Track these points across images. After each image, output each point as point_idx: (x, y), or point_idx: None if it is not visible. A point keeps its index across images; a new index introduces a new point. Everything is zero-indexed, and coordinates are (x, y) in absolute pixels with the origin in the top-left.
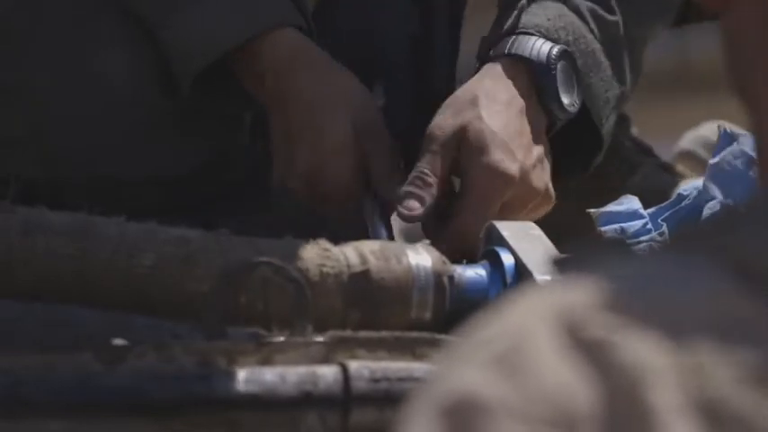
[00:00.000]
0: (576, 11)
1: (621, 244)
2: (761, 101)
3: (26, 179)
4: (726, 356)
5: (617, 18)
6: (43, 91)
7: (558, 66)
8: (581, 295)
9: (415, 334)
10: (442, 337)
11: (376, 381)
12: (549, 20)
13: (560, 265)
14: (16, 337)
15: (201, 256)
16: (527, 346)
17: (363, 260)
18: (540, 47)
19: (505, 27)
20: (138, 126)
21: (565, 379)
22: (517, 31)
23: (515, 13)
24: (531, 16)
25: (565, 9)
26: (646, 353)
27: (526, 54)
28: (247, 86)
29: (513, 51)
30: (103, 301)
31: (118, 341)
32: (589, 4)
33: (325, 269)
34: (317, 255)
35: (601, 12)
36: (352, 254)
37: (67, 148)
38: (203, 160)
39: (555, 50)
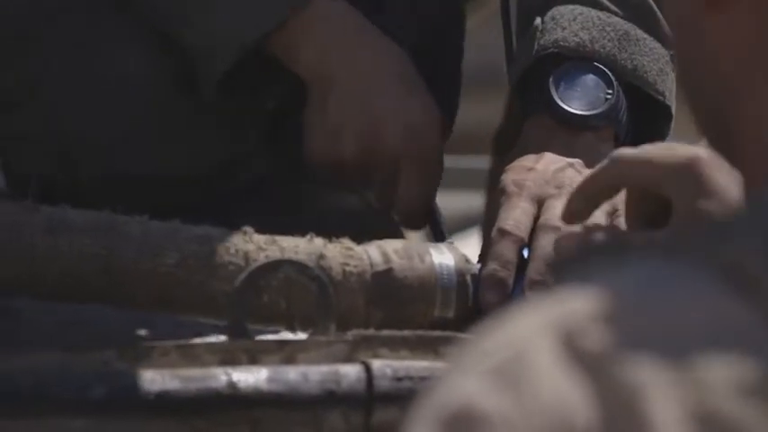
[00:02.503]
0: (592, 2)
1: (618, 248)
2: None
3: (45, 178)
4: (724, 368)
5: None
6: (61, 90)
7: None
8: (579, 307)
9: (437, 333)
10: (465, 336)
11: (399, 379)
12: (564, 29)
13: (558, 272)
14: (39, 336)
15: (225, 254)
16: (526, 358)
17: (386, 259)
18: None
19: (531, 53)
20: (157, 125)
21: (563, 391)
22: (542, 54)
23: (534, 36)
24: (550, 34)
25: (578, 8)
26: (644, 366)
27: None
28: (293, 67)
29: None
30: (127, 299)
31: (141, 339)
32: None
33: (348, 268)
34: (339, 254)
35: None
36: (375, 253)
37: (86, 147)
38: (224, 158)
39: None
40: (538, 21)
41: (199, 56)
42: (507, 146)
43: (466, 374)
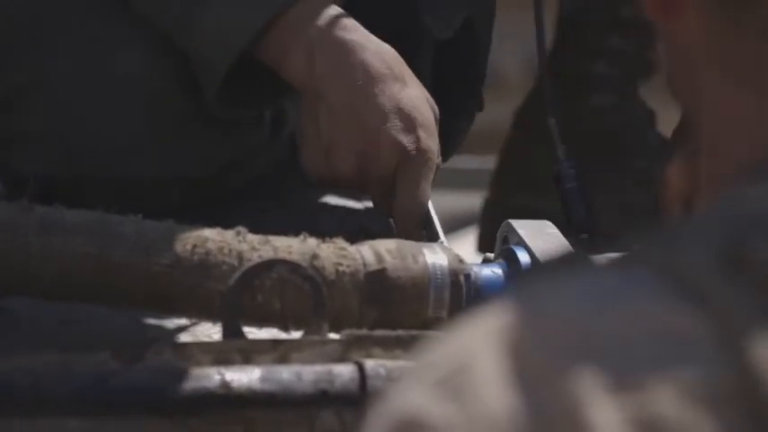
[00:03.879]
0: None
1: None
2: (703, 107)
3: (44, 177)
4: (667, 373)
5: None
6: (63, 89)
7: None
8: (524, 317)
9: (431, 332)
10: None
11: (392, 379)
12: None
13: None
14: (34, 336)
15: (219, 255)
16: (471, 369)
17: (380, 259)
18: None
19: None
20: (156, 126)
21: (507, 401)
22: None
23: None
24: None
25: None
26: (586, 375)
27: None
28: (284, 74)
29: None
30: (121, 299)
31: (135, 339)
32: None
33: (341, 268)
34: (333, 253)
35: None
36: (368, 253)
37: (86, 147)
38: (221, 160)
39: None
40: None
41: (198, 62)
42: None
43: (413, 386)
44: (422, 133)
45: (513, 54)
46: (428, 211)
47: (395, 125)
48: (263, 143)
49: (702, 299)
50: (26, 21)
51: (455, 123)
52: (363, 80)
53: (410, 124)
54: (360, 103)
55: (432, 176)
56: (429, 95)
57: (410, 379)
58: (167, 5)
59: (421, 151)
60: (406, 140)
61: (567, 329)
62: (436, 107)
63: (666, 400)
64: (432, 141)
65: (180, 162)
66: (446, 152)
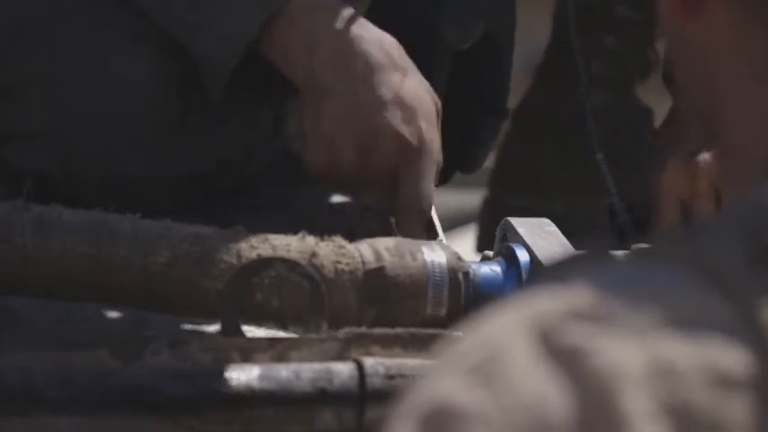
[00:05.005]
0: None
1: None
2: (723, 106)
3: (42, 174)
4: (697, 360)
5: None
6: (62, 87)
7: None
8: (556, 304)
9: (430, 331)
10: (458, 333)
11: (391, 377)
12: None
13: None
14: (31, 334)
15: (217, 253)
16: (503, 356)
17: (378, 257)
18: None
19: None
20: (155, 125)
21: (539, 387)
22: None
23: None
24: None
25: None
26: (619, 359)
27: None
28: (285, 70)
29: None
30: (118, 298)
31: (134, 337)
32: None
33: (340, 266)
34: (332, 251)
35: None
36: (367, 251)
37: (85, 145)
38: (220, 159)
39: None
40: None
41: (202, 62)
42: None
43: (445, 374)
44: (423, 124)
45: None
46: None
47: (395, 116)
48: (261, 143)
49: (729, 287)
50: (28, 19)
51: (477, 137)
52: (363, 71)
53: (410, 115)
54: (360, 94)
55: (434, 168)
56: (430, 86)
57: (441, 367)
58: (169, 5)
59: (422, 142)
60: (407, 131)
61: (597, 316)
62: (438, 99)
63: (698, 386)
64: (432, 133)
65: (178, 161)
66: (467, 166)
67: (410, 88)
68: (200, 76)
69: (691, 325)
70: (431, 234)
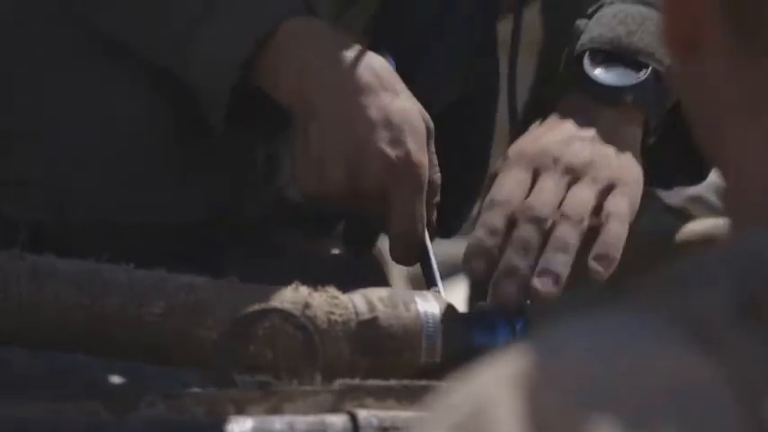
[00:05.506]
0: (640, 1)
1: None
2: (726, 148)
3: (36, 223)
4: (680, 421)
5: None
6: (54, 135)
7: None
8: (539, 361)
9: (423, 382)
10: (450, 385)
11: (385, 429)
12: (602, 26)
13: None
14: (25, 385)
15: (211, 304)
16: (487, 412)
17: (372, 308)
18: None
19: (573, 51)
20: (148, 172)
21: None
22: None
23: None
24: (589, 32)
25: (621, 5)
26: (601, 422)
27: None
28: (277, 96)
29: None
30: (112, 348)
31: (128, 389)
32: None
33: (333, 317)
34: (325, 302)
35: None
36: (360, 301)
37: (78, 193)
38: (214, 206)
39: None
40: (581, 22)
41: (199, 93)
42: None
43: (432, 428)
44: (412, 146)
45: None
46: (428, 252)
47: (383, 136)
48: (255, 189)
49: (717, 346)
50: (19, 67)
51: (453, 201)
52: (352, 92)
53: (400, 136)
54: (349, 115)
55: (424, 190)
56: (422, 107)
57: (429, 421)
58: (160, 39)
59: (411, 165)
60: (395, 153)
61: (581, 374)
62: (430, 119)
63: None
64: (422, 154)
65: (171, 208)
66: (446, 231)
67: (400, 109)
68: (200, 110)
69: (676, 386)
70: (430, 281)
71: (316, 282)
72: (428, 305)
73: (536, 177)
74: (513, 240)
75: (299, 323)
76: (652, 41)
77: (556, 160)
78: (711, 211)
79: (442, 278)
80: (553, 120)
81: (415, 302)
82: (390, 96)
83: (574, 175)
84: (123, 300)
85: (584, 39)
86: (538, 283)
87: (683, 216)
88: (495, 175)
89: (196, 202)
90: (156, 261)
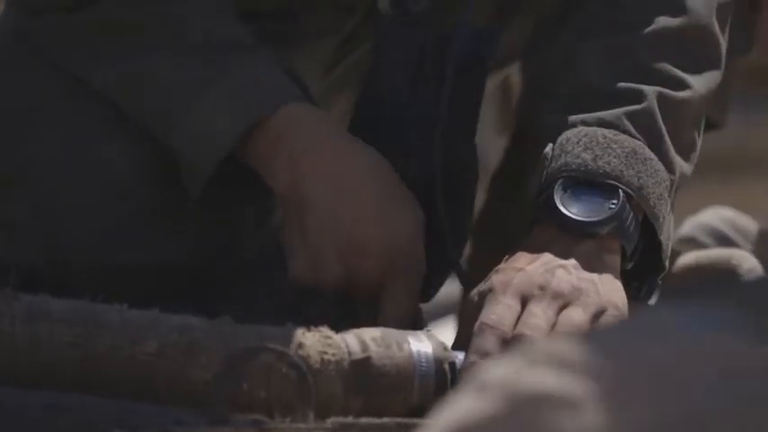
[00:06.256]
0: (603, 123)
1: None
2: None
3: (28, 265)
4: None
5: (687, 93)
6: (45, 178)
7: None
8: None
9: (416, 420)
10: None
11: None
12: (568, 154)
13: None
14: (18, 424)
15: (204, 343)
16: None
17: (364, 347)
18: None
19: (541, 182)
20: (140, 214)
21: None
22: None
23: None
24: (556, 161)
25: (584, 129)
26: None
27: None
28: (267, 181)
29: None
30: (106, 387)
31: (121, 428)
32: (654, 88)
33: (326, 356)
34: (318, 342)
35: (667, 93)
36: (353, 341)
37: (70, 235)
38: (204, 248)
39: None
40: (548, 148)
41: (181, 163)
42: None
43: None
44: (407, 239)
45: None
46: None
47: (380, 233)
48: (248, 232)
49: None
50: (8, 112)
51: (431, 271)
52: (349, 189)
53: (396, 231)
54: (348, 207)
55: (418, 283)
56: (414, 199)
57: None
58: (149, 106)
59: (406, 259)
60: (392, 249)
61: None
62: (421, 212)
63: None
64: (416, 247)
65: (163, 249)
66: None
67: (394, 206)
68: (180, 175)
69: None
70: (417, 324)
71: (309, 322)
72: (421, 345)
73: (524, 305)
74: None
75: (293, 362)
76: (619, 164)
77: (542, 288)
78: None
79: (433, 319)
80: (531, 249)
81: (408, 342)
82: (384, 192)
83: (564, 301)
84: (116, 339)
85: (551, 169)
86: None
87: (674, 255)
88: (480, 301)
89: (188, 244)
90: (150, 302)
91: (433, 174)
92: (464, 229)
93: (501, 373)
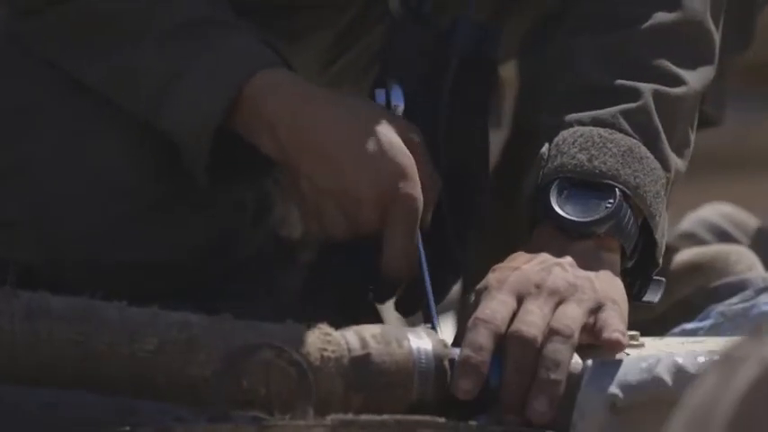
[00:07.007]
0: (598, 122)
1: None
2: None
3: (25, 262)
4: None
5: (683, 89)
6: (42, 176)
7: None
8: None
9: (416, 417)
10: (444, 420)
11: None
12: (564, 155)
13: None
14: (19, 422)
15: (204, 340)
16: None
17: (364, 344)
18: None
19: (537, 182)
20: (137, 210)
21: None
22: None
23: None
24: (552, 161)
25: (580, 129)
26: None
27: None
28: (262, 146)
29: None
30: (106, 385)
31: (121, 424)
32: (650, 85)
33: (326, 353)
34: (318, 339)
35: (663, 89)
36: (352, 338)
37: (67, 233)
38: (204, 244)
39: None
40: (544, 148)
41: (179, 145)
42: None
43: None
44: (400, 181)
45: None
46: (427, 292)
47: (373, 180)
48: (245, 229)
49: None
50: (4, 111)
51: (441, 276)
52: (334, 146)
53: (387, 174)
54: (333, 173)
55: (416, 219)
56: (405, 127)
57: None
58: (136, 93)
59: (401, 199)
60: (386, 192)
61: None
62: (416, 134)
63: None
64: (410, 186)
65: (161, 246)
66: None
67: (383, 150)
68: (183, 165)
69: None
70: (427, 318)
71: (309, 319)
72: (421, 341)
73: (520, 303)
74: (507, 363)
75: (293, 359)
76: (615, 163)
77: (538, 286)
78: (701, 245)
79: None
80: (529, 249)
81: (408, 339)
82: (371, 139)
83: (559, 297)
84: (115, 337)
85: (547, 169)
86: (535, 404)
87: (673, 251)
88: (477, 299)
89: (185, 241)
90: (149, 299)
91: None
92: (473, 229)
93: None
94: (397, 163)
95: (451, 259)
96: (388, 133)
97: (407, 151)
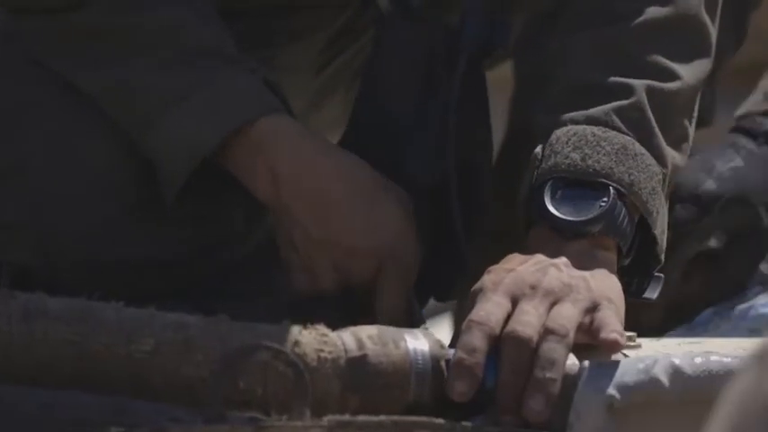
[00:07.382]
0: (591, 120)
1: None
2: None
3: (21, 264)
4: None
5: (677, 84)
6: (35, 177)
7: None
8: None
9: (413, 418)
10: (441, 420)
11: None
12: (557, 155)
13: None
14: (15, 423)
15: (200, 341)
16: None
17: (361, 345)
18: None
19: (532, 183)
20: (131, 210)
21: None
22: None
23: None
24: (546, 161)
25: (573, 128)
26: None
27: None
28: (250, 189)
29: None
30: (102, 385)
31: (117, 425)
32: (644, 82)
33: (323, 354)
34: (314, 340)
35: (657, 85)
36: (349, 339)
37: (61, 233)
38: (199, 244)
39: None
40: (538, 149)
41: (158, 167)
42: None
43: None
44: (399, 238)
45: None
46: (411, 295)
47: (371, 233)
48: (237, 231)
49: None
50: (2, 111)
51: (446, 271)
52: (330, 198)
53: (386, 230)
54: (331, 223)
55: (411, 279)
56: (401, 194)
57: None
58: (129, 109)
59: (396, 260)
60: (383, 247)
61: None
62: (409, 203)
63: None
64: (406, 247)
65: (155, 245)
66: (442, 294)
67: (379, 210)
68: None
69: None
70: (415, 322)
71: (306, 320)
72: (418, 342)
73: (515, 305)
74: (503, 363)
75: (289, 360)
76: (609, 162)
77: (533, 287)
78: None
79: (429, 316)
80: (525, 250)
81: (405, 340)
82: (368, 197)
83: (554, 298)
84: (112, 337)
85: (541, 170)
86: (531, 403)
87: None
88: (472, 301)
89: (179, 241)
90: (146, 300)
91: (445, 174)
92: (479, 227)
93: None
94: (397, 221)
95: (460, 257)
96: (388, 192)
97: (405, 213)
